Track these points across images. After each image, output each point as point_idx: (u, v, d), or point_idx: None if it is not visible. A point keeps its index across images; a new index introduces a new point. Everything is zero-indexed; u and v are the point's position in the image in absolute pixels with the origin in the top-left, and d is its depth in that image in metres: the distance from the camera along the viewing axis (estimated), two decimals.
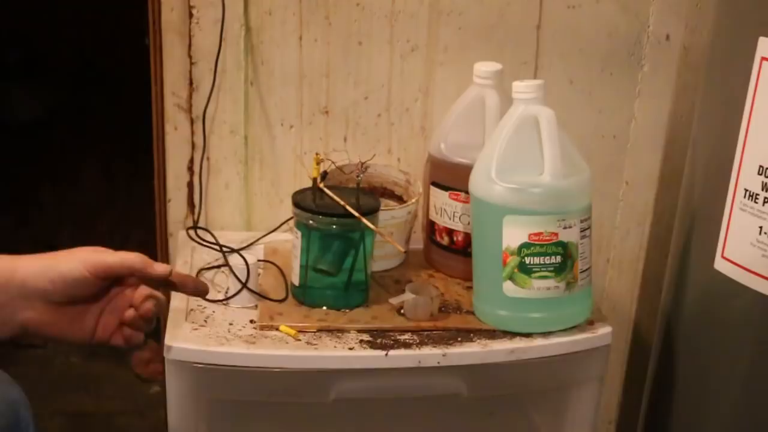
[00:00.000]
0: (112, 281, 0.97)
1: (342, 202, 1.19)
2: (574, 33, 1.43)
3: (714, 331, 1.21)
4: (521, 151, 1.16)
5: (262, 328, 1.18)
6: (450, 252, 1.33)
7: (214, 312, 1.22)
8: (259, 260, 1.30)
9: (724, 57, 1.18)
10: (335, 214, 1.19)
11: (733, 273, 1.14)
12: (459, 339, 1.19)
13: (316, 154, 1.24)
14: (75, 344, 0.99)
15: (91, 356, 2.30)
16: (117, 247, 0.98)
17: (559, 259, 1.16)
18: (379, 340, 1.17)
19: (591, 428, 1.29)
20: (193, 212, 1.45)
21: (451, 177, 1.29)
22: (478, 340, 1.19)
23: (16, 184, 2.62)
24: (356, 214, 1.18)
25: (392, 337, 1.18)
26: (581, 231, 1.18)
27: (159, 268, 0.98)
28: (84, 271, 0.94)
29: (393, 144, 1.46)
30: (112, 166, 2.68)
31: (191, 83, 1.39)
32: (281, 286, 1.27)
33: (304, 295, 1.23)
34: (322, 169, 1.23)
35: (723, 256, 1.15)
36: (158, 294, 1.01)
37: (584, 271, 1.20)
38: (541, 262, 1.16)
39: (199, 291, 1.05)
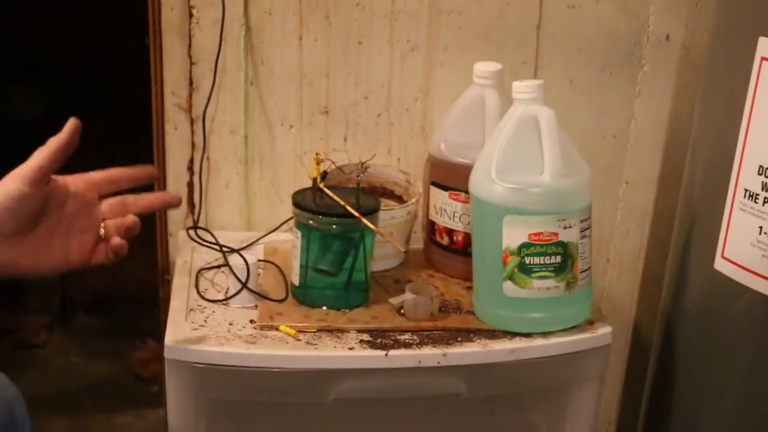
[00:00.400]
0: (56, 194, 0.95)
1: (342, 202, 1.19)
2: (574, 33, 1.43)
3: (714, 331, 1.21)
4: (521, 151, 1.16)
5: (262, 328, 1.18)
6: (450, 252, 1.33)
7: (214, 312, 1.22)
8: (259, 260, 1.30)
9: (724, 57, 1.18)
10: (335, 214, 1.19)
11: (733, 273, 1.14)
12: (459, 339, 1.19)
13: (316, 154, 1.24)
14: (53, 272, 0.96)
15: (91, 356, 2.30)
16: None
17: (559, 259, 1.16)
18: (379, 340, 1.17)
19: (591, 428, 1.29)
20: (193, 212, 1.45)
21: (451, 177, 1.29)
22: (478, 340, 1.19)
23: None
24: (356, 214, 1.18)
25: (392, 337, 1.18)
26: (581, 231, 1.18)
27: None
28: (20, 186, 0.91)
29: (393, 144, 1.46)
30: (112, 166, 2.68)
31: (191, 83, 1.39)
32: (281, 286, 1.27)
33: (304, 295, 1.23)
34: (322, 169, 1.23)
35: (723, 256, 1.15)
36: (127, 198, 1.00)
37: (584, 271, 1.20)
38: (541, 262, 1.16)
39: (149, 175, 1.04)
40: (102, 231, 0.98)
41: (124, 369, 2.23)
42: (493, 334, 1.20)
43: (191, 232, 1.42)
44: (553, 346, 1.20)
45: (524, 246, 1.15)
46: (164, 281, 1.48)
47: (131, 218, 1.00)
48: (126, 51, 2.12)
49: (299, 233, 1.21)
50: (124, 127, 2.51)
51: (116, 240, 0.98)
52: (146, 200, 1.03)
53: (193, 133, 1.42)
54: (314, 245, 1.21)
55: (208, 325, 1.18)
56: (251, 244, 1.38)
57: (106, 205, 1.00)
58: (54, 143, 0.94)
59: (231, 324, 1.19)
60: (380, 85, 1.42)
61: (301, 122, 1.43)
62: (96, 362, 2.28)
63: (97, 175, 1.01)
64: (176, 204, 1.08)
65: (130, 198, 1.02)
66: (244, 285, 1.22)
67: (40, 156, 0.93)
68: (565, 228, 1.16)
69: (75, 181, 0.99)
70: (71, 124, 0.96)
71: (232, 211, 1.46)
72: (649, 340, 1.52)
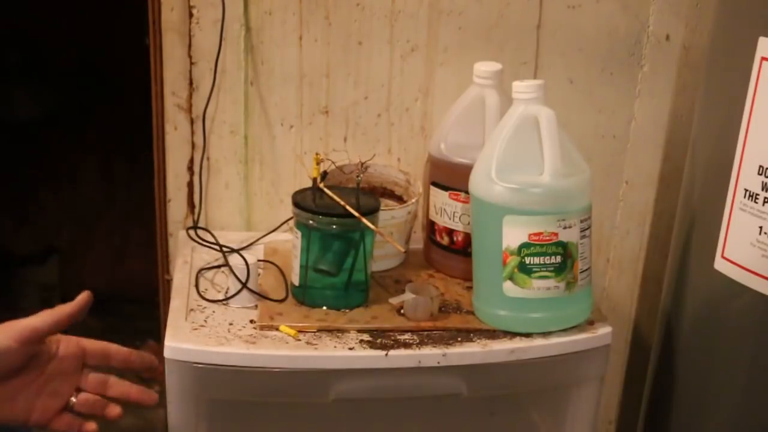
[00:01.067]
0: (43, 354, 0.93)
1: (342, 202, 1.19)
2: (574, 33, 1.43)
3: (714, 331, 1.21)
4: (521, 151, 1.16)
5: (262, 328, 1.18)
6: (450, 252, 1.33)
7: (214, 312, 1.22)
8: (259, 260, 1.30)
9: (724, 57, 1.18)
10: (335, 214, 1.19)
11: (733, 273, 1.14)
12: (459, 339, 1.19)
13: (316, 154, 1.24)
14: (7, 424, 0.94)
15: None
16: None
17: (559, 259, 1.16)
18: (379, 340, 1.17)
19: (591, 428, 1.29)
20: (193, 212, 1.45)
21: (451, 177, 1.29)
22: (478, 340, 1.19)
23: (16, 184, 2.62)
24: (356, 214, 1.18)
25: (392, 337, 1.18)
26: (581, 231, 1.18)
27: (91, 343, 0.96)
28: (9, 342, 0.90)
29: (393, 144, 1.46)
30: (112, 166, 2.68)
31: (191, 83, 1.39)
32: (281, 286, 1.27)
33: (304, 295, 1.23)
34: (322, 169, 1.23)
35: (723, 256, 1.15)
36: (110, 378, 0.98)
37: (584, 271, 1.20)
38: (541, 262, 1.16)
39: (146, 363, 1.02)
40: (73, 401, 0.97)
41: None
42: (493, 334, 1.20)
43: (191, 232, 1.42)
44: (553, 346, 1.20)
45: (524, 246, 1.15)
46: (164, 281, 1.48)
47: (116, 411, 0.98)
48: (126, 51, 2.12)
49: (299, 233, 1.21)
50: (124, 127, 2.51)
51: (91, 427, 0.96)
52: (125, 389, 1.02)
53: (193, 133, 1.42)
54: (314, 245, 1.21)
55: (208, 325, 1.18)
56: (251, 244, 1.38)
57: (88, 377, 0.99)
58: (60, 312, 0.94)
59: (231, 324, 1.19)
60: (380, 85, 1.42)
61: (301, 122, 1.43)
62: None
63: (92, 345, 0.99)
64: (152, 402, 1.04)
65: (113, 380, 1.00)
66: (244, 285, 1.22)
67: (41, 318, 0.93)
68: (565, 228, 1.16)
69: (68, 344, 0.97)
70: (83, 297, 0.97)
71: (232, 211, 1.46)
72: (649, 340, 1.52)
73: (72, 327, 0.98)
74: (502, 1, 1.40)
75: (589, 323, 1.23)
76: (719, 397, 1.21)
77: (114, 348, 1.00)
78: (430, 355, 1.15)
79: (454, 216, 1.30)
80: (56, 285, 2.66)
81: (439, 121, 1.40)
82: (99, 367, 1.00)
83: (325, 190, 1.22)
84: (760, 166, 1.09)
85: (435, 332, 1.19)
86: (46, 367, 0.95)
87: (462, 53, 1.41)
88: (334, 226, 1.20)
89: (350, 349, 1.15)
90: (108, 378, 1.00)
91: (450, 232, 1.32)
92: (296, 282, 1.23)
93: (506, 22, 1.41)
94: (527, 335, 1.19)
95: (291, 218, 1.25)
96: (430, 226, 1.35)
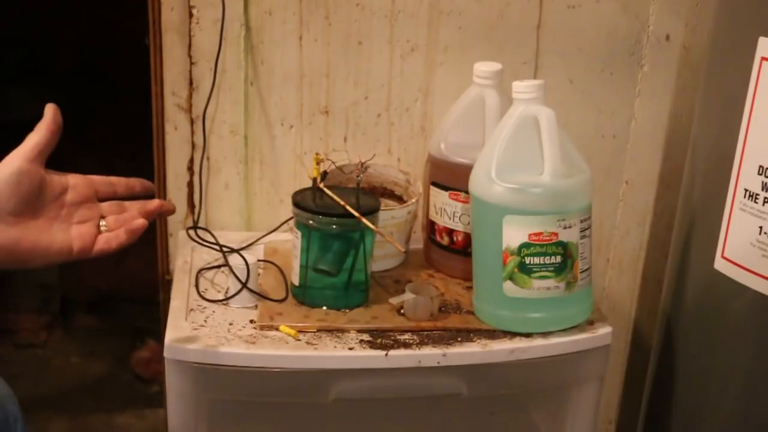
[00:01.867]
0: (56, 184, 0.97)
1: (342, 202, 1.19)
2: (574, 33, 1.43)
3: (714, 331, 1.21)
4: (521, 151, 1.16)
5: (262, 328, 1.18)
6: (450, 252, 1.33)
7: (214, 312, 1.22)
8: (259, 260, 1.30)
9: (724, 57, 1.18)
10: (335, 214, 1.19)
11: (733, 273, 1.14)
12: (459, 339, 1.19)
13: (316, 154, 1.24)
14: (55, 260, 0.96)
15: (91, 356, 2.30)
16: (118, 249, 0.98)
17: (559, 259, 1.16)
18: (379, 340, 1.17)
19: (591, 428, 1.29)
20: (193, 212, 1.45)
21: (451, 177, 1.29)
22: (478, 340, 1.19)
23: None
24: (356, 214, 1.18)
25: (392, 337, 1.18)
26: (581, 231, 1.18)
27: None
28: (19, 162, 0.93)
29: (393, 144, 1.46)
30: (112, 166, 2.68)
31: (191, 83, 1.39)
32: (281, 286, 1.27)
33: (304, 295, 1.23)
34: (322, 169, 1.23)
35: (723, 256, 1.15)
36: (124, 202, 1.02)
37: (584, 271, 1.20)
38: (541, 262, 1.16)
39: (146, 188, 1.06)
40: (103, 224, 1.00)
41: (124, 369, 2.23)
42: (493, 334, 1.20)
43: (191, 232, 1.42)
44: (553, 346, 1.20)
45: (524, 246, 1.15)
46: (164, 281, 1.48)
47: (140, 221, 1.01)
48: (126, 51, 2.12)
49: (299, 233, 1.21)
50: (124, 127, 2.51)
51: (138, 221, 1.00)
52: (141, 204, 1.05)
53: (193, 133, 1.42)
54: (314, 245, 1.21)
55: (208, 325, 1.18)
56: (251, 244, 1.38)
57: (105, 204, 1.02)
58: (44, 125, 0.97)
59: (231, 324, 1.19)
60: (380, 85, 1.42)
61: (301, 122, 1.43)
62: (96, 362, 2.28)
63: (95, 177, 1.03)
64: (171, 211, 1.09)
65: (128, 202, 1.04)
66: (244, 285, 1.22)
67: (34, 135, 0.96)
68: (565, 228, 1.16)
69: (75, 176, 1.01)
70: (51, 108, 1.00)
71: (232, 211, 1.46)
72: (649, 340, 1.52)
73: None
74: (502, 1, 1.40)
75: (589, 323, 1.23)
76: (719, 397, 1.21)
77: (114, 178, 1.04)
78: (430, 355, 1.15)
79: (454, 216, 1.30)
80: (56, 285, 2.66)
81: (439, 121, 1.40)
82: None
83: (325, 190, 1.22)
84: (760, 166, 1.09)
85: (435, 332, 1.19)
86: (64, 197, 0.98)
87: (462, 53, 1.41)
88: (334, 226, 1.20)
89: (350, 349, 1.15)
90: (122, 202, 1.03)
91: (450, 232, 1.32)
92: (296, 282, 1.23)
93: (506, 22, 1.41)
94: (527, 335, 1.19)
95: (291, 218, 1.25)
96: (430, 226, 1.35)
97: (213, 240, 1.39)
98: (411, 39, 1.40)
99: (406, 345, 1.16)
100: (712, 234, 1.16)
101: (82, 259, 0.98)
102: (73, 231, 0.98)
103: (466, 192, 1.22)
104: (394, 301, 1.22)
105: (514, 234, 1.15)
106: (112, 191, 1.03)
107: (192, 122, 1.41)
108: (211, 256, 1.35)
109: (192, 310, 1.22)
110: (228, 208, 1.46)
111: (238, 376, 1.13)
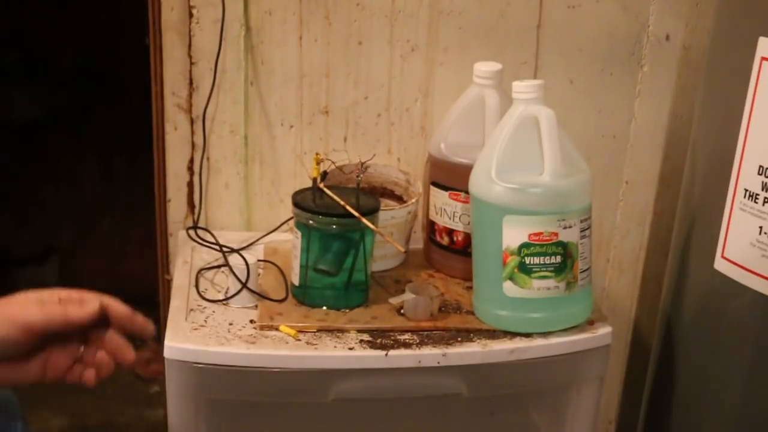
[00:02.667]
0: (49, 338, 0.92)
1: (342, 202, 1.19)
2: (574, 33, 1.43)
3: (714, 331, 1.21)
4: (521, 151, 1.16)
5: (262, 328, 1.18)
6: (450, 252, 1.33)
7: (214, 312, 1.22)
8: (259, 260, 1.30)
9: (724, 57, 1.18)
10: (335, 214, 1.19)
11: (733, 273, 1.14)
12: (459, 339, 1.19)
13: (316, 154, 1.24)
14: (25, 385, 0.92)
15: None
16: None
17: (559, 259, 1.16)
18: (379, 340, 1.17)
19: (591, 428, 1.29)
20: (193, 212, 1.45)
21: (451, 177, 1.29)
22: (478, 340, 1.19)
23: (16, 184, 2.62)
24: (356, 214, 1.18)
25: (392, 337, 1.18)
26: (581, 231, 1.18)
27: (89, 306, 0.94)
28: (14, 332, 0.88)
29: (393, 144, 1.46)
30: (112, 166, 2.68)
31: (191, 83, 1.39)
32: (281, 286, 1.27)
33: (304, 295, 1.23)
34: (322, 169, 1.23)
35: (723, 256, 1.15)
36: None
37: (584, 271, 1.20)
38: (541, 262, 1.16)
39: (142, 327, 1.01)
40: (81, 349, 0.96)
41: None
42: (493, 334, 1.20)
43: (191, 232, 1.42)
44: (553, 346, 1.20)
45: (524, 246, 1.15)
46: (164, 281, 1.48)
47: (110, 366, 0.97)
48: (126, 51, 2.12)
49: (299, 233, 1.21)
50: (124, 127, 2.51)
51: (90, 375, 0.96)
52: (119, 350, 1.01)
53: (193, 133, 1.42)
54: (314, 245, 1.21)
55: (208, 325, 1.18)
56: (251, 244, 1.38)
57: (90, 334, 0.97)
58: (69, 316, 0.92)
59: (231, 324, 1.19)
60: (380, 85, 1.42)
61: (301, 122, 1.43)
62: None
63: (109, 302, 0.98)
64: (150, 332, 1.04)
65: (110, 338, 1.00)
66: (244, 285, 1.22)
67: (55, 315, 0.91)
68: (565, 228, 1.16)
69: (64, 318, 0.94)
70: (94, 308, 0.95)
71: (232, 211, 1.46)
72: (649, 340, 1.52)
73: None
74: (502, 1, 1.40)
75: (589, 323, 1.23)
76: (719, 397, 1.21)
77: (114, 305, 0.99)
78: (430, 355, 1.15)
79: (454, 216, 1.30)
80: (56, 285, 2.66)
81: (439, 121, 1.40)
82: None
83: (325, 190, 1.22)
84: (760, 166, 1.09)
85: (435, 332, 1.19)
86: (56, 344, 0.94)
87: (462, 53, 1.41)
88: (334, 226, 1.20)
89: (350, 349, 1.15)
90: (103, 337, 0.99)
91: (450, 232, 1.32)
92: (296, 282, 1.23)
93: (506, 22, 1.41)
94: (527, 335, 1.19)
95: (291, 218, 1.25)
96: (430, 226, 1.35)
97: (213, 240, 1.39)
98: (411, 39, 1.40)
99: (406, 345, 1.16)
100: (712, 234, 1.16)
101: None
102: (51, 360, 0.93)
103: (466, 192, 1.22)
104: (394, 301, 1.22)
105: (514, 234, 1.15)
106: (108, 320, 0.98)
107: (192, 122, 1.41)
108: (211, 256, 1.35)
109: (192, 310, 1.22)
110: (228, 208, 1.46)
111: (238, 376, 1.13)
